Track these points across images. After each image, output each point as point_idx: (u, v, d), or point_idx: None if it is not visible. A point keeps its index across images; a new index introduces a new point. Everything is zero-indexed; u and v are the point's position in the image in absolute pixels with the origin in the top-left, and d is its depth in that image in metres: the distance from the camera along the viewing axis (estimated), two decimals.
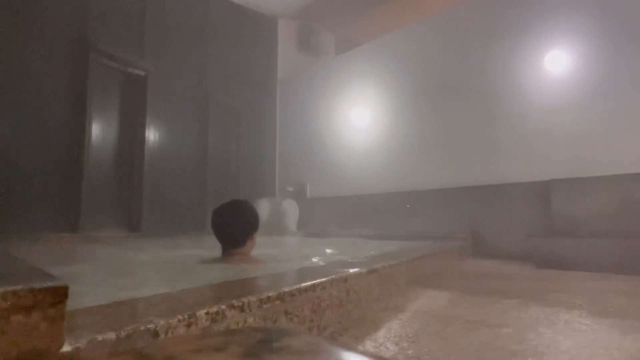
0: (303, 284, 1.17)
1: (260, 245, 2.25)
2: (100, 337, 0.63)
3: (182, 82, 5.31)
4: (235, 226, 2.10)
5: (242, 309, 0.92)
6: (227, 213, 2.12)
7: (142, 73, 4.76)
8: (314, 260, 2.41)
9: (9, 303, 0.53)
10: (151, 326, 0.71)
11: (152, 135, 4.85)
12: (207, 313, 0.82)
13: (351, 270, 1.49)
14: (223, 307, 0.87)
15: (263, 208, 5.33)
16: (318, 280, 1.24)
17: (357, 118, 5.67)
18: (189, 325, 0.78)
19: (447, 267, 2.99)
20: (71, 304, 0.62)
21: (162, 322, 0.73)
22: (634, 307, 1.71)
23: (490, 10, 4.43)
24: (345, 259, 2.10)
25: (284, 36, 6.91)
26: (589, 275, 2.67)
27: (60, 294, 0.59)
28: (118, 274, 1.96)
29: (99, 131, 4.41)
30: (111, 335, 0.64)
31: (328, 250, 3.01)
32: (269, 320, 1.00)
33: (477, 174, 4.27)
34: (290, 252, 3.00)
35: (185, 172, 5.23)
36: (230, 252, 2.11)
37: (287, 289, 1.09)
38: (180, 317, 0.77)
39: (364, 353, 0.41)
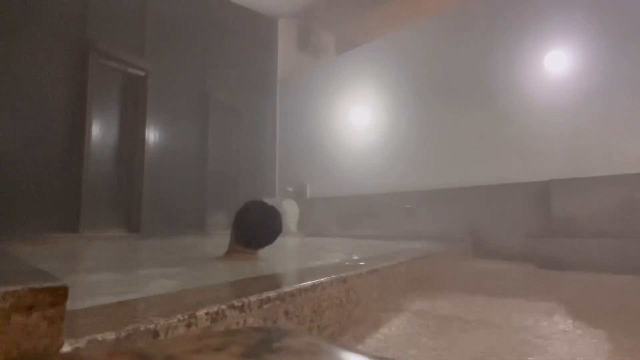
0: (303, 284, 1.17)
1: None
2: (100, 337, 0.63)
3: (182, 82, 5.31)
4: (276, 227, 2.11)
5: (242, 309, 0.92)
6: (270, 214, 2.12)
7: (142, 73, 4.75)
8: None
9: (9, 303, 0.53)
10: (151, 326, 0.71)
11: (152, 135, 4.85)
12: (207, 313, 0.82)
13: (351, 271, 1.49)
14: (223, 307, 0.87)
15: None
16: (318, 281, 1.24)
17: (357, 118, 5.66)
18: (189, 325, 0.78)
19: (447, 267, 2.99)
20: (71, 304, 0.62)
21: (162, 322, 0.73)
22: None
23: (490, 10, 4.43)
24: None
25: (284, 36, 6.91)
26: (590, 275, 2.67)
27: (60, 294, 0.59)
28: (119, 274, 1.95)
29: (99, 131, 4.41)
30: (111, 335, 0.64)
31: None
32: (269, 320, 1.00)
33: (477, 174, 4.26)
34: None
35: (185, 172, 5.23)
36: (236, 250, 2.09)
37: (287, 289, 1.09)
38: (180, 317, 0.77)
39: (364, 353, 0.42)
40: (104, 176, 4.43)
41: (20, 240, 3.31)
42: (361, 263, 1.78)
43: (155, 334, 0.71)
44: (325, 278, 1.29)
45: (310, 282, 1.20)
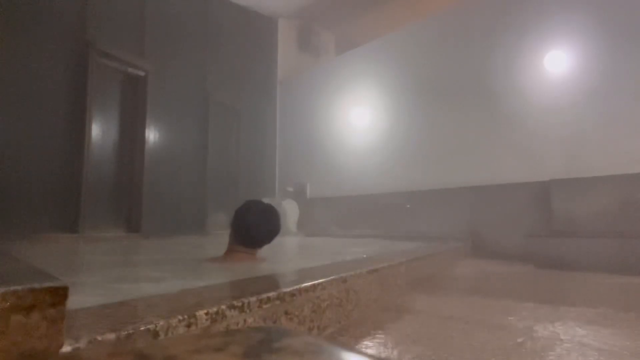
0: (303, 284, 1.17)
1: None
2: (100, 337, 0.63)
3: (182, 82, 5.31)
4: (274, 226, 2.10)
5: (242, 309, 0.92)
6: (269, 213, 2.12)
7: (142, 73, 4.75)
8: None
9: (9, 303, 0.53)
10: (151, 326, 0.71)
11: (152, 135, 4.85)
12: (207, 313, 0.82)
13: (351, 271, 1.49)
14: (223, 307, 0.87)
15: None
16: (318, 281, 1.24)
17: (357, 118, 5.66)
18: (189, 326, 0.78)
19: (447, 267, 2.99)
20: (71, 304, 0.62)
21: (162, 322, 0.73)
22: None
23: (490, 10, 4.43)
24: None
25: (284, 36, 6.91)
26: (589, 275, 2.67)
27: (60, 294, 0.59)
28: (121, 274, 1.95)
29: (99, 131, 4.41)
30: (111, 335, 0.64)
31: None
32: (269, 320, 1.00)
33: (477, 174, 4.26)
34: None
35: (185, 172, 5.23)
36: (235, 250, 2.08)
37: (287, 289, 1.09)
38: (180, 317, 0.77)
39: (364, 353, 0.42)
40: (104, 176, 4.43)
41: (20, 240, 3.31)
42: (361, 262, 1.78)
43: (155, 334, 0.71)
44: (325, 278, 1.29)
45: (310, 282, 1.21)
